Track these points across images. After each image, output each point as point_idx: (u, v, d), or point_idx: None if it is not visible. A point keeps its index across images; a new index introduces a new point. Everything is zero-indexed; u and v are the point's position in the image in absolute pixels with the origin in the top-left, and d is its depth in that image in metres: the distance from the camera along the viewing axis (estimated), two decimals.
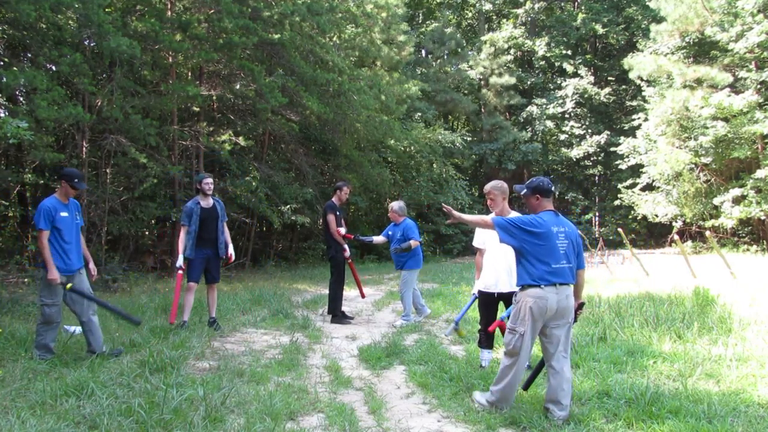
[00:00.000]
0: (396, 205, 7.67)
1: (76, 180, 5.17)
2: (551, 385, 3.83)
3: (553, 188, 4.02)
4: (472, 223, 4.19)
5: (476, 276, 5.30)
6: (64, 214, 5.12)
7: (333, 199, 7.73)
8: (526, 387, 4.25)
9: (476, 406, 4.03)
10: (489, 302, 5.10)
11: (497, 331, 5.21)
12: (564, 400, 3.79)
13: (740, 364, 4.92)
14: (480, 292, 5.17)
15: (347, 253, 7.61)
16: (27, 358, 4.99)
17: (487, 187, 4.92)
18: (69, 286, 5.10)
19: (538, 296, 3.79)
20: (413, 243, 7.36)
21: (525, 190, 4.07)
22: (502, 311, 5.18)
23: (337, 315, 7.69)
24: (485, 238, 5.22)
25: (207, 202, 6.66)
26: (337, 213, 7.60)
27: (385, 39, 20.18)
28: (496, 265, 5.02)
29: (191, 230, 6.52)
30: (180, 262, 6.49)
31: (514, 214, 4.60)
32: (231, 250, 6.84)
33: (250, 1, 12.34)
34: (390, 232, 7.64)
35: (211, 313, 6.86)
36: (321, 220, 8.18)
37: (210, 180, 6.70)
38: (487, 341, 5.13)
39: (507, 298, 4.99)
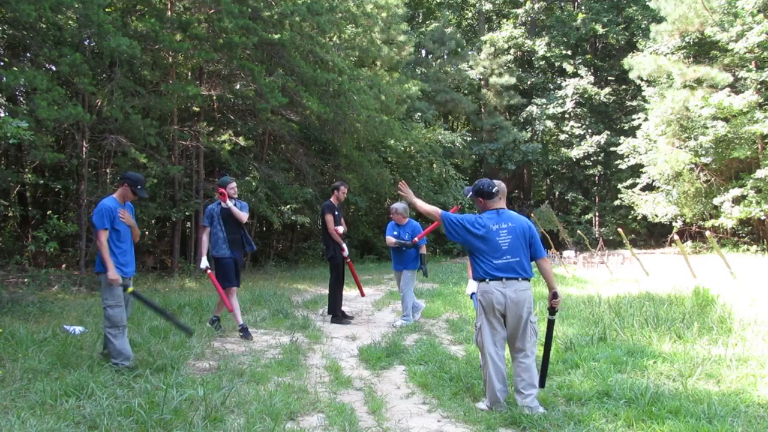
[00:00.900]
0: (401, 206, 7.60)
1: (139, 186, 5.11)
2: (514, 374, 4.08)
3: (494, 190, 4.17)
4: (423, 211, 4.40)
5: (469, 274, 5.31)
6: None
7: (331, 199, 7.73)
8: (540, 384, 4.24)
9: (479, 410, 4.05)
10: None
11: None
12: (526, 390, 3.96)
13: (740, 364, 4.90)
14: None
15: (345, 253, 7.61)
16: (27, 357, 4.98)
17: None
18: (130, 289, 4.99)
19: (484, 290, 4.07)
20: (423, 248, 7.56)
21: (470, 193, 4.30)
22: None
23: (337, 315, 7.69)
24: None
25: (226, 203, 6.72)
26: (335, 213, 7.60)
27: (385, 39, 20.19)
28: None
29: (215, 231, 6.59)
30: (205, 263, 6.51)
31: None
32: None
33: (250, 1, 12.34)
34: (396, 233, 7.59)
35: (215, 312, 6.87)
36: (320, 221, 8.20)
37: (235, 184, 6.84)
38: None
39: None
